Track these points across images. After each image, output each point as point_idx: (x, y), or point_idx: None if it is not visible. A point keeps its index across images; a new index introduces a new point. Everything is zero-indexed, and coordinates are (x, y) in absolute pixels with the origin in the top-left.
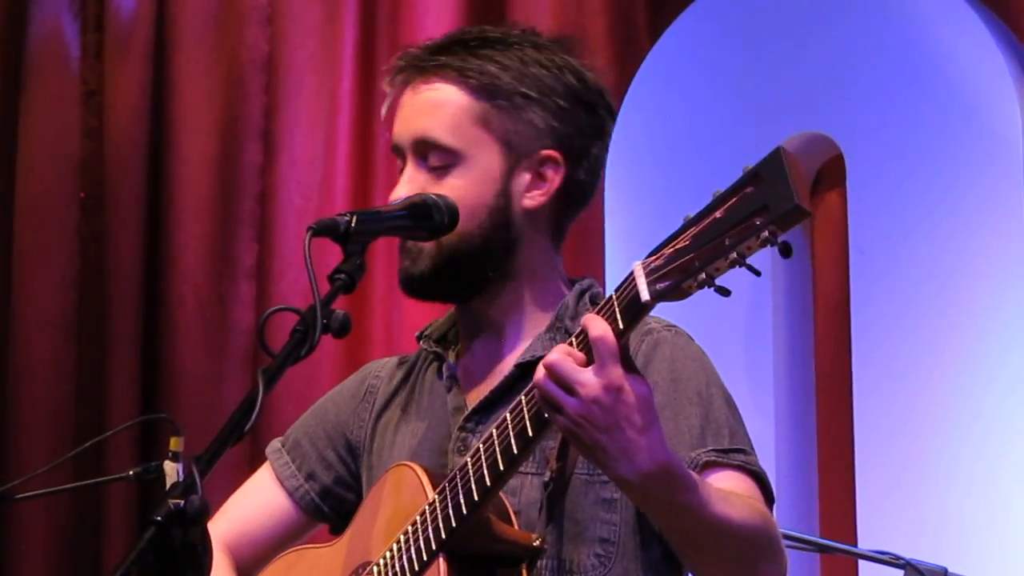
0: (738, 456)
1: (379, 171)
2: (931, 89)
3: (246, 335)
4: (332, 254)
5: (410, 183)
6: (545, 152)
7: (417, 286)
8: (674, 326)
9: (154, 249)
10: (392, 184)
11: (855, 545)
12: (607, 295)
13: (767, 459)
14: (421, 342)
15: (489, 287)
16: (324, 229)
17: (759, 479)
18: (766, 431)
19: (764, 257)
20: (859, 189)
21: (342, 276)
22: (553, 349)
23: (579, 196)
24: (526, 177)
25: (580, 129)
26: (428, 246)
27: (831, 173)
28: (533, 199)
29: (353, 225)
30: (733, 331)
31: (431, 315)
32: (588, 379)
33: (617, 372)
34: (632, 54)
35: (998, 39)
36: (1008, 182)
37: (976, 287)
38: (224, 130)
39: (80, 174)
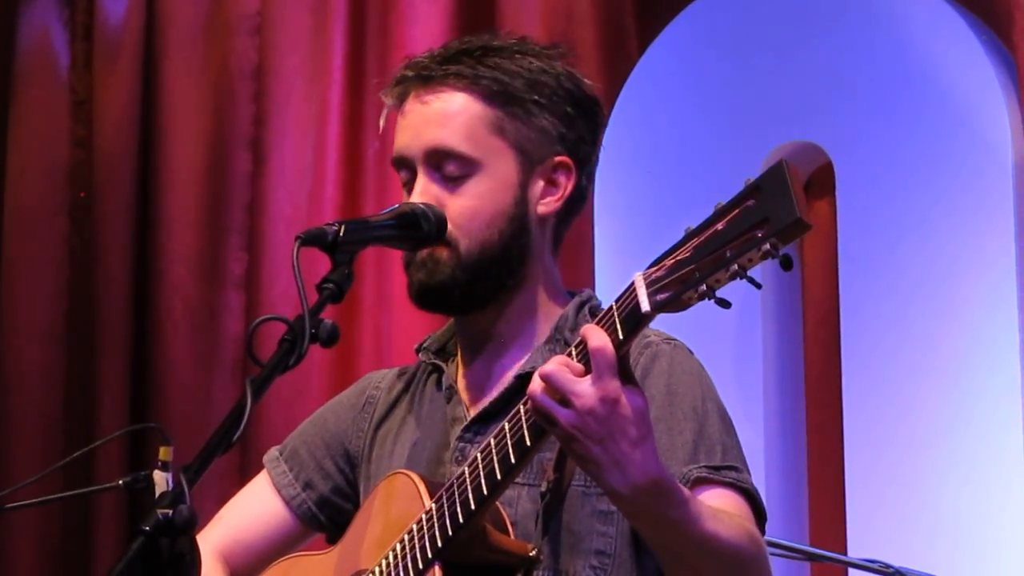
0: (729, 473)
1: (368, 180)
2: (920, 97)
3: (235, 344)
4: (321, 263)
5: (423, 194)
6: (558, 158)
7: (434, 297)
8: (673, 339)
9: (143, 258)
10: (382, 193)
11: (845, 554)
12: (607, 305)
13: (756, 468)
14: (420, 354)
15: (498, 296)
16: (312, 238)
17: (750, 497)
18: (755, 440)
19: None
20: (849, 197)
21: (330, 285)
22: (550, 360)
23: (580, 202)
24: (540, 183)
25: (583, 135)
26: (445, 256)
27: (821, 181)
28: (547, 205)
29: (341, 234)
30: (723, 340)
31: (420, 325)
32: (584, 390)
33: (614, 384)
34: (621, 62)
35: (987, 48)
36: (997, 190)
37: (966, 295)
38: (213, 139)
39: (69, 183)
